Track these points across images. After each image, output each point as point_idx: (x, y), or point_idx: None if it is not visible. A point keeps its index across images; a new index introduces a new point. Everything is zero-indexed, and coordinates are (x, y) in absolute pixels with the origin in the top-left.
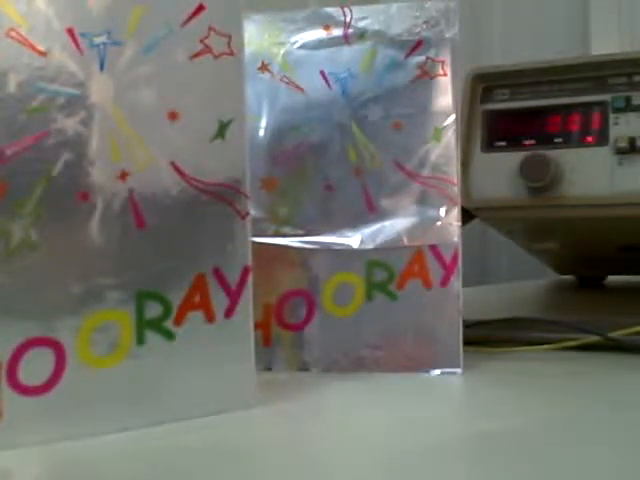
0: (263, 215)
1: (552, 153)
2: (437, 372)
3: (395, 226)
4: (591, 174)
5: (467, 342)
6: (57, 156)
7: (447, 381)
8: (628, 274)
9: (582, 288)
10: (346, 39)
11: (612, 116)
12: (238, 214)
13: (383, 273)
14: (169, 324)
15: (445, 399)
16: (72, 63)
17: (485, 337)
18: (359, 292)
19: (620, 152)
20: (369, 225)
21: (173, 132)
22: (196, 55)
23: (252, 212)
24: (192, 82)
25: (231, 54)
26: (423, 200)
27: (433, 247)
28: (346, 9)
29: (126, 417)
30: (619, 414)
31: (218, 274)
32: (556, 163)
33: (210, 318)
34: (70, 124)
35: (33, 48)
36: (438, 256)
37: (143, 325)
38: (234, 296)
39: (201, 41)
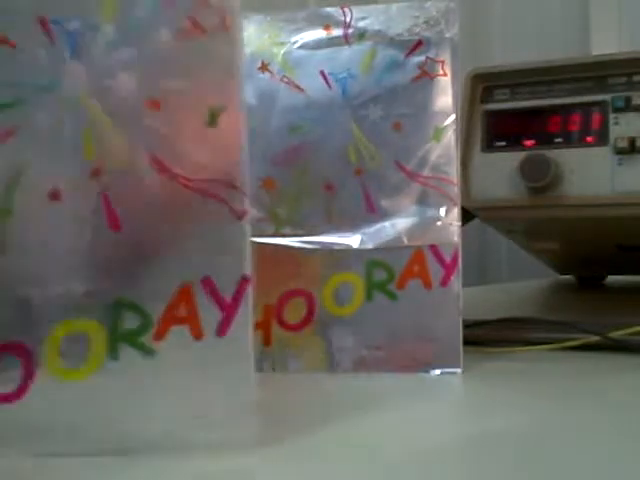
0: (263, 215)
1: (552, 153)
2: (437, 372)
3: (395, 226)
4: (591, 174)
5: (467, 342)
6: (27, 153)
7: (447, 381)
8: (628, 274)
9: (582, 288)
10: (346, 39)
11: (612, 116)
12: (233, 214)
13: (383, 273)
14: (148, 339)
15: (445, 399)
16: (44, 53)
17: (485, 337)
18: (359, 292)
19: (620, 152)
20: (369, 225)
21: (155, 123)
22: (182, 34)
23: (252, 212)
24: (177, 65)
25: (225, 30)
26: (423, 200)
27: (433, 247)
28: (346, 9)
29: (92, 440)
30: (619, 414)
31: (208, 284)
32: (556, 163)
33: (197, 334)
34: (41, 119)
35: (2, 40)
36: (438, 256)
37: (117, 338)
38: (229, 310)
39: (189, 17)
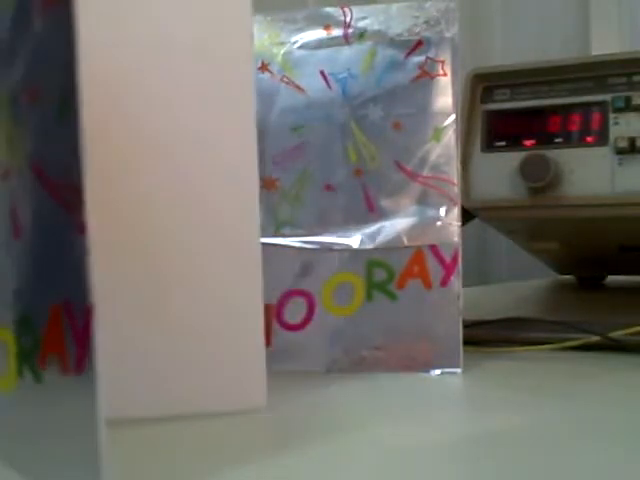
0: (263, 215)
1: (552, 153)
2: (437, 372)
3: (395, 226)
4: (591, 174)
5: (467, 342)
6: None
7: (447, 381)
8: (628, 274)
9: (582, 288)
10: (346, 39)
11: (612, 116)
12: (76, 228)
13: (383, 273)
14: (36, 363)
15: (445, 399)
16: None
17: (485, 337)
18: (359, 292)
19: (620, 152)
20: (369, 225)
21: (29, 116)
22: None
23: None
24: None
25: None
26: (423, 200)
27: (433, 247)
28: (346, 9)
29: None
30: (619, 414)
31: (68, 309)
32: (556, 163)
33: (65, 367)
34: None
35: None
36: (438, 256)
37: (20, 356)
38: (82, 342)
39: None
